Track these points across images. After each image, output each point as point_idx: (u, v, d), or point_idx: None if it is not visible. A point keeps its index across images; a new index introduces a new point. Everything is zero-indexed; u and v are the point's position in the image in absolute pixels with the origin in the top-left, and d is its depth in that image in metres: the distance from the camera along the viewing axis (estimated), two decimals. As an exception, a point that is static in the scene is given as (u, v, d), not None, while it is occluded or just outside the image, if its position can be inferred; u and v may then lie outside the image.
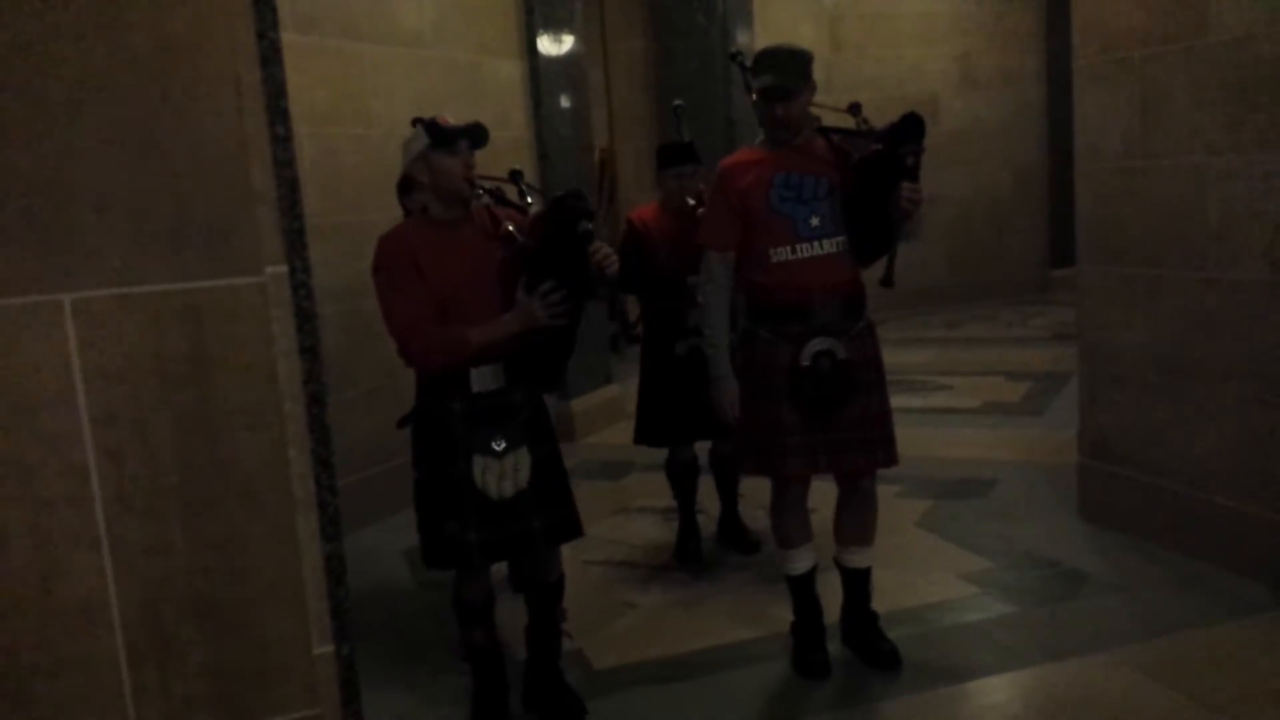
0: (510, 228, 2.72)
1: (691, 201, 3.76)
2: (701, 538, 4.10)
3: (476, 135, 2.71)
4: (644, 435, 3.99)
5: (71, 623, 1.30)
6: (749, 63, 3.07)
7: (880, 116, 3.23)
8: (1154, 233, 3.62)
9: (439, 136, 2.65)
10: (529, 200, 2.87)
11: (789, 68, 2.90)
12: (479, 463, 2.63)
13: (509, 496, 2.66)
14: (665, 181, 3.90)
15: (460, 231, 2.72)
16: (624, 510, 4.69)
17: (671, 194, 3.87)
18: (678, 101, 4.28)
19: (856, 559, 3.13)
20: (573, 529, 2.85)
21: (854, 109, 3.01)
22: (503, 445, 2.65)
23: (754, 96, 3.02)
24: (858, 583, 3.15)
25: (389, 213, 3.33)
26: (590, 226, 2.68)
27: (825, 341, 2.88)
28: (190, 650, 1.34)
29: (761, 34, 7.49)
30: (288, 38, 1.42)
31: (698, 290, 3.18)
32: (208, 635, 1.35)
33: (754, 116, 3.18)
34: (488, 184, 2.79)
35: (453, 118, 2.74)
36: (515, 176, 2.93)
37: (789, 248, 2.90)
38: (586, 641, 3.35)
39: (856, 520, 3.10)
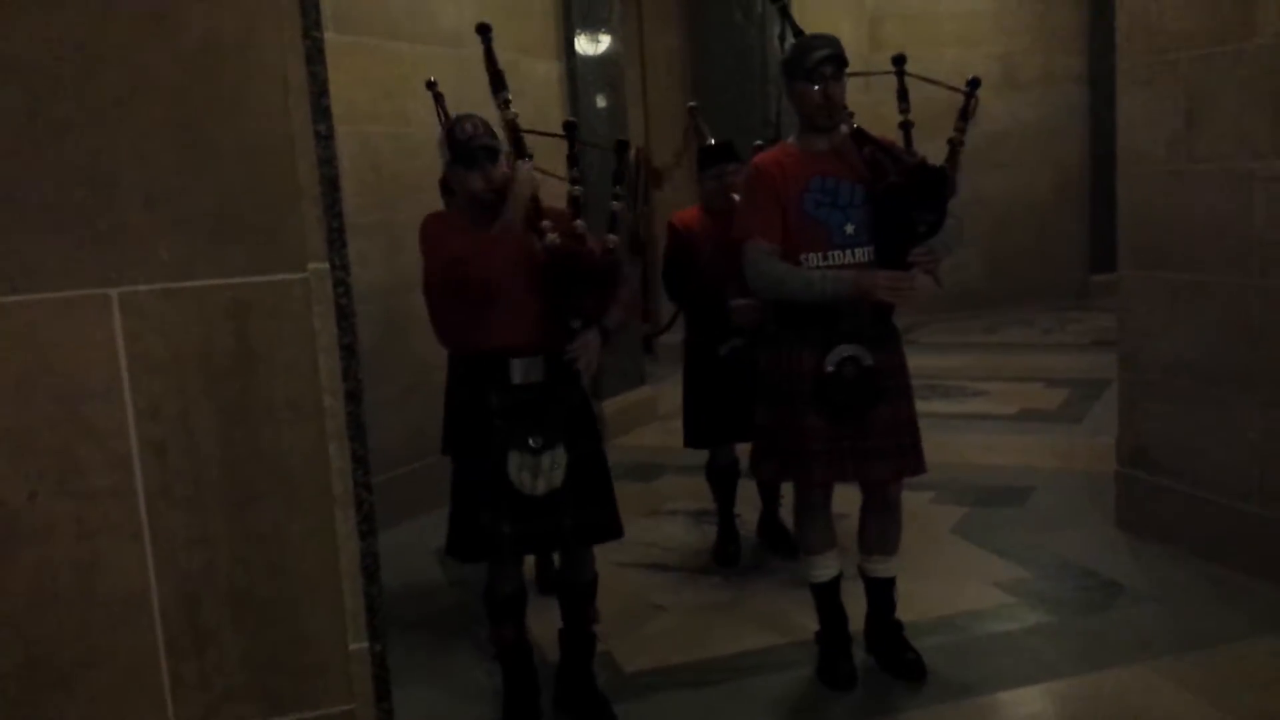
0: (545, 242, 2.66)
1: (736, 198, 3.74)
2: (740, 541, 4.09)
3: (488, 154, 2.65)
4: (693, 438, 3.98)
5: (112, 614, 1.31)
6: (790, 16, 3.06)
7: (921, 118, 3.21)
8: (1198, 238, 3.56)
9: (456, 153, 2.66)
10: (575, 171, 2.87)
11: (839, 46, 2.84)
12: (515, 459, 2.63)
13: (542, 494, 2.66)
14: (705, 183, 3.88)
15: (492, 229, 2.66)
16: (655, 513, 4.68)
17: (713, 194, 3.84)
18: (692, 103, 4.22)
19: (880, 568, 3.07)
20: (609, 530, 2.82)
21: (972, 85, 3.09)
22: (540, 442, 2.64)
23: (793, 37, 2.95)
24: (881, 592, 3.09)
25: (425, 211, 3.35)
26: (578, 324, 2.67)
27: (851, 348, 2.81)
28: (229, 643, 1.36)
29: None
30: (327, 36, 1.43)
31: (752, 288, 2.97)
32: (246, 628, 1.36)
33: (791, 115, 3.14)
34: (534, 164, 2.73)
35: (489, 116, 2.71)
36: (569, 128, 2.90)
37: (821, 254, 2.81)
38: (615, 644, 3.34)
39: (881, 529, 3.05)
